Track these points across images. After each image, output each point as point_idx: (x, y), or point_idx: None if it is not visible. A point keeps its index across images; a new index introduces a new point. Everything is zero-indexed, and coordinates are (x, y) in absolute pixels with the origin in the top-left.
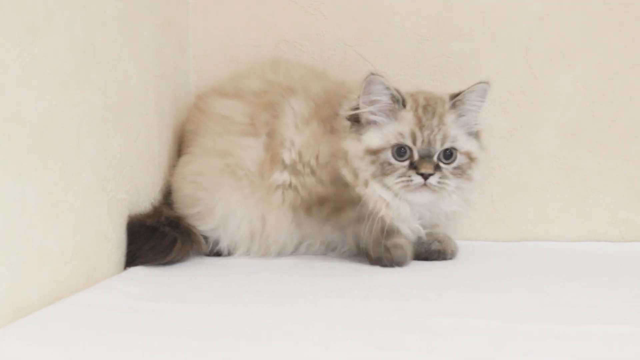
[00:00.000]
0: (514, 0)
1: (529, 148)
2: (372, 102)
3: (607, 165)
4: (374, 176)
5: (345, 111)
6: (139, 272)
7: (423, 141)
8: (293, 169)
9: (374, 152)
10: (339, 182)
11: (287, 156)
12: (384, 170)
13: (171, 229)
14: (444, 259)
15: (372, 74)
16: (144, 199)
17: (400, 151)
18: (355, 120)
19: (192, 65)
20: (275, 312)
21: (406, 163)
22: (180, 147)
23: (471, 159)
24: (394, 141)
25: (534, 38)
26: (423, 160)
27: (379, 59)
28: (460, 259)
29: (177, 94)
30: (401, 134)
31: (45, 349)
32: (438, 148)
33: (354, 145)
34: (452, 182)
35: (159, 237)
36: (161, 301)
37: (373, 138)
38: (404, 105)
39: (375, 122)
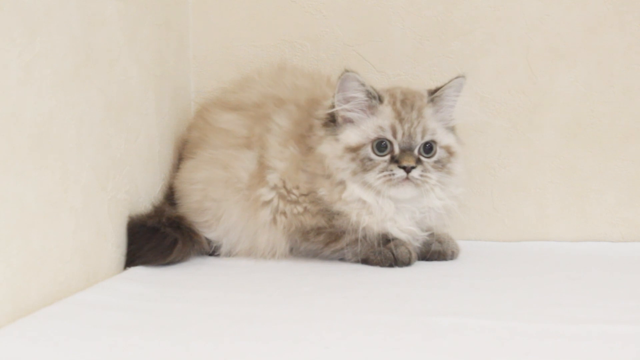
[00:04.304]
0: (514, 0)
1: (529, 148)
2: (347, 99)
3: (607, 165)
4: (354, 173)
5: (320, 114)
6: (139, 272)
7: (404, 134)
8: (279, 193)
9: (353, 149)
10: (325, 212)
11: (271, 178)
12: (364, 167)
13: (172, 229)
14: (444, 259)
15: (347, 70)
16: (145, 199)
17: (380, 145)
18: (331, 120)
19: (192, 65)
20: (274, 312)
21: (387, 157)
22: (182, 149)
23: (450, 152)
24: (373, 136)
25: (534, 38)
26: (404, 154)
27: (379, 59)
28: (461, 259)
29: (177, 94)
30: (381, 128)
31: (45, 349)
32: (419, 141)
33: (332, 147)
34: (433, 176)
35: (159, 237)
36: (161, 301)
37: (351, 136)
38: (381, 101)
39: (351, 120)
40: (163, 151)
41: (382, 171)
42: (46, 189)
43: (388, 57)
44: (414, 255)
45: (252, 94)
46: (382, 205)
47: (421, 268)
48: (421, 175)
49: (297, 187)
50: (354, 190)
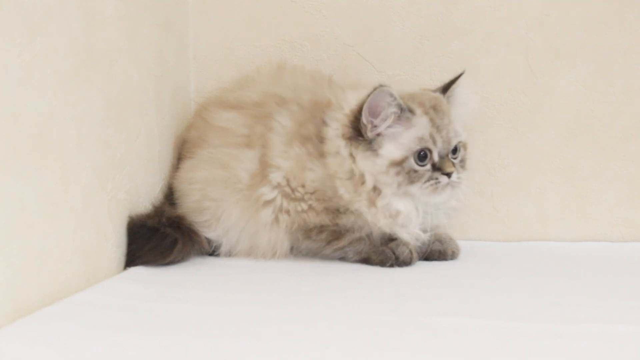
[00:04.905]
0: (514, 0)
1: (529, 148)
2: (385, 116)
3: (607, 165)
4: (399, 186)
5: (343, 128)
6: (139, 272)
7: (443, 141)
8: (282, 191)
9: (398, 164)
10: (330, 209)
11: (274, 176)
12: (410, 179)
13: (172, 229)
14: (445, 259)
15: (381, 85)
16: (145, 199)
17: (421, 156)
18: (358, 134)
19: (192, 65)
20: (274, 312)
21: (429, 166)
22: (181, 149)
23: (466, 148)
24: (416, 147)
25: (534, 38)
26: (444, 160)
27: (379, 59)
28: (461, 259)
29: (177, 94)
30: (422, 139)
31: (45, 349)
32: (453, 145)
33: (372, 162)
34: (463, 175)
35: (159, 237)
36: (161, 301)
37: (392, 150)
38: (411, 112)
39: (381, 134)
40: (163, 151)
41: (428, 180)
42: (46, 189)
43: (388, 57)
44: (415, 255)
45: (252, 93)
46: (410, 211)
47: (421, 268)
48: (458, 178)
49: (303, 186)
50: (391, 200)
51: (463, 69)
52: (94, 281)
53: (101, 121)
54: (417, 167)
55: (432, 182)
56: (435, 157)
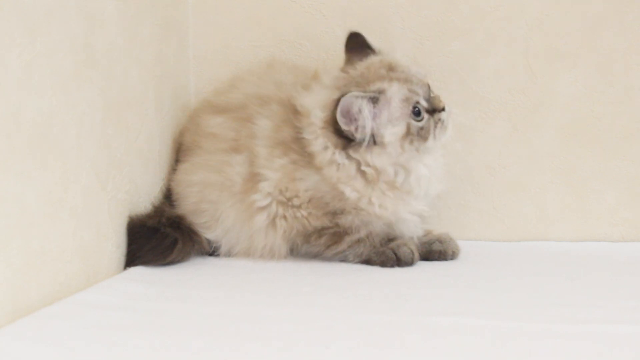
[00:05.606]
0: (514, 0)
1: (529, 148)
2: (365, 115)
3: (607, 165)
4: (417, 150)
5: (331, 140)
6: (139, 272)
7: (420, 86)
8: (276, 199)
9: (406, 135)
10: (330, 212)
11: (264, 186)
12: (423, 136)
13: (172, 229)
14: (445, 259)
15: (343, 95)
16: (145, 199)
17: (415, 112)
18: (350, 140)
19: (192, 65)
20: (275, 312)
21: (426, 116)
22: (178, 151)
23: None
24: (408, 109)
25: (534, 38)
26: (433, 99)
27: None
28: (461, 259)
29: (177, 94)
30: (407, 99)
31: (45, 349)
32: (427, 84)
33: (386, 154)
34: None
35: (159, 237)
36: (161, 301)
37: (393, 130)
38: (382, 92)
39: (372, 127)
40: (163, 151)
41: (435, 126)
42: (46, 189)
43: None
44: (416, 255)
45: (238, 95)
46: (433, 168)
47: (422, 268)
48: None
49: (298, 196)
50: (419, 169)
51: (463, 69)
52: (94, 281)
53: (101, 121)
54: (420, 124)
55: (439, 124)
56: (425, 104)
